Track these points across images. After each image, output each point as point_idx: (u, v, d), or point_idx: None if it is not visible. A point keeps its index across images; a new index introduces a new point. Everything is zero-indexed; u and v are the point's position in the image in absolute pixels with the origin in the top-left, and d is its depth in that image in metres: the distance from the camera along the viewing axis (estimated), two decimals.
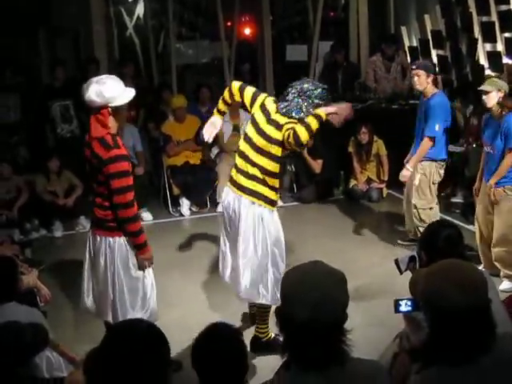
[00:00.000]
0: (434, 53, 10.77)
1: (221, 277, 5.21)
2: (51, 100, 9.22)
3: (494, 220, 6.06)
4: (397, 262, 4.01)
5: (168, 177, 9.03)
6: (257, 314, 5.18)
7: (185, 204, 8.93)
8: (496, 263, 6.14)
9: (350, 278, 2.36)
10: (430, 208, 6.90)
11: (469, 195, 7.75)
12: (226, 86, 10.58)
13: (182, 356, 4.42)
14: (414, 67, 6.86)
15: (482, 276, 2.36)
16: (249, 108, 5.07)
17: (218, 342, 2.77)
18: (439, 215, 7.06)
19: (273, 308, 4.80)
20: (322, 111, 4.75)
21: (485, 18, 9.66)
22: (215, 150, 9.37)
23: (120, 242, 4.45)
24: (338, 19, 12.94)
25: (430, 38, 10.85)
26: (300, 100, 4.79)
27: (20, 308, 3.99)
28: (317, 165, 9.17)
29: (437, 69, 10.55)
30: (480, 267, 6.14)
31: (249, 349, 4.89)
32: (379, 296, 5.80)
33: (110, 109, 4.29)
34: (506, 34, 9.34)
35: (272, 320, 4.97)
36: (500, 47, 9.48)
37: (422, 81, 6.65)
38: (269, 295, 4.90)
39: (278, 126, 4.79)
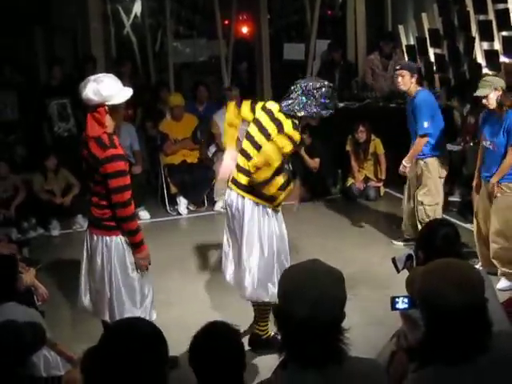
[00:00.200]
0: (431, 51, 10.77)
1: (223, 275, 5.21)
2: (49, 98, 9.21)
3: (491, 216, 6.07)
4: (394, 260, 4.01)
5: (165, 175, 9.03)
6: (257, 311, 5.17)
7: (182, 203, 8.93)
8: (494, 260, 6.15)
9: (347, 277, 2.36)
10: (437, 203, 6.92)
11: (466, 194, 7.76)
12: (223, 84, 10.70)
13: (179, 355, 4.43)
14: (397, 67, 6.89)
15: (479, 275, 2.36)
16: (250, 118, 5.03)
17: (215, 340, 2.77)
18: (441, 214, 7.08)
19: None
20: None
21: (482, 17, 9.66)
22: (212, 149, 9.37)
23: (117, 241, 4.45)
24: (335, 18, 12.94)
25: (427, 36, 10.85)
26: (304, 98, 4.74)
27: (19, 308, 3.99)
28: (314, 163, 9.17)
29: (434, 68, 10.60)
30: (477, 265, 6.16)
31: (248, 347, 4.92)
32: (376, 294, 5.80)
33: (106, 107, 4.28)
34: (504, 33, 9.34)
35: (271, 318, 4.98)
36: (497, 46, 9.48)
37: (406, 81, 6.70)
38: (275, 294, 4.89)
39: (280, 127, 4.76)
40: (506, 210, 5.97)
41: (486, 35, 9.59)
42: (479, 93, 5.91)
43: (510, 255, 6.07)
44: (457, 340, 2.26)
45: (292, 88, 4.84)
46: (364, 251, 7.18)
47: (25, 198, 8.18)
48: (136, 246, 4.47)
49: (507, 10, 9.19)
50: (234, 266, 5.07)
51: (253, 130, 4.92)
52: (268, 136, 4.79)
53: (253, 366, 4.72)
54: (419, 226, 6.85)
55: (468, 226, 7.36)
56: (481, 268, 6.01)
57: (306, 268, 2.34)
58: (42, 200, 8.23)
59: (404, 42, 11.44)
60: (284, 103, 4.81)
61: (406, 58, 10.83)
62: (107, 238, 4.45)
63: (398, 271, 4.00)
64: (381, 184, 9.25)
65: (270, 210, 4.87)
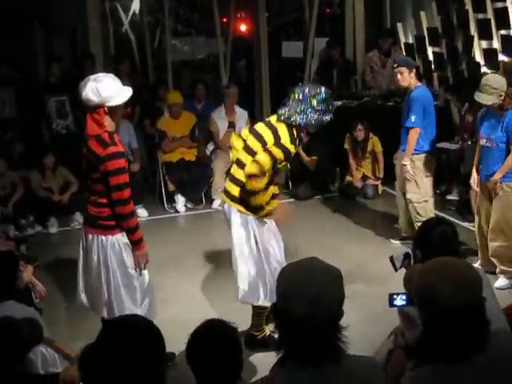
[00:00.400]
0: (429, 50, 10.77)
1: None
2: (47, 95, 9.21)
3: (492, 214, 6.07)
4: (392, 259, 4.01)
5: (163, 173, 9.02)
6: (252, 312, 5.18)
7: (180, 200, 8.93)
8: (492, 258, 6.16)
9: (345, 275, 2.36)
10: (425, 201, 6.91)
11: (464, 192, 7.77)
12: (221, 82, 10.69)
13: (175, 352, 4.43)
14: (395, 65, 6.90)
15: (477, 274, 2.36)
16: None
17: (213, 338, 2.77)
18: (434, 211, 7.07)
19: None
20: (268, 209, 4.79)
21: (481, 16, 9.66)
22: (210, 147, 9.37)
23: (112, 240, 4.45)
24: (333, 16, 12.93)
25: (425, 34, 10.84)
26: (302, 105, 4.70)
27: (18, 306, 3.99)
28: (311, 161, 9.16)
29: (433, 66, 10.60)
30: (476, 264, 6.16)
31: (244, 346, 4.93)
32: (374, 292, 5.80)
33: (106, 108, 4.28)
34: (502, 32, 9.34)
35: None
36: (496, 44, 9.48)
37: (406, 77, 6.75)
38: (267, 299, 4.90)
39: (276, 137, 4.72)
40: (506, 209, 5.97)
41: (485, 34, 9.58)
42: (484, 100, 5.85)
43: (510, 253, 6.07)
44: (454, 338, 2.26)
45: (289, 95, 4.81)
46: (362, 249, 7.19)
47: (23, 195, 8.17)
48: (135, 244, 4.48)
49: (506, 8, 9.19)
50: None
51: (249, 138, 4.91)
52: (264, 143, 4.75)
53: (250, 363, 4.72)
54: (414, 224, 6.87)
55: (466, 224, 7.37)
56: (479, 267, 6.02)
57: (305, 266, 2.34)
58: (39, 197, 8.22)
59: (402, 41, 11.43)
60: (281, 111, 4.79)
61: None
62: (102, 237, 4.45)
63: (396, 269, 4.00)
64: (379, 182, 9.25)
65: (254, 219, 4.84)
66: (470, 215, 6.77)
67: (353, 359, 2.33)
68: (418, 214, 6.85)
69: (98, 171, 4.30)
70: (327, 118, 4.80)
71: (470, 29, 9.83)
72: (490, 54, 9.51)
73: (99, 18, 10.29)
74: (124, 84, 4.44)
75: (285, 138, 4.71)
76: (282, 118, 4.75)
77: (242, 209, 4.83)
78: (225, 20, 11.54)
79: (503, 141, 5.88)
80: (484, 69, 9.48)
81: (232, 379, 2.74)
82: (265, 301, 4.93)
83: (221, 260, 6.64)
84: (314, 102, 4.70)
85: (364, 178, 9.32)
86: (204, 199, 9.07)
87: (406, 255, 3.96)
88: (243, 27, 12.74)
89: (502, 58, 9.31)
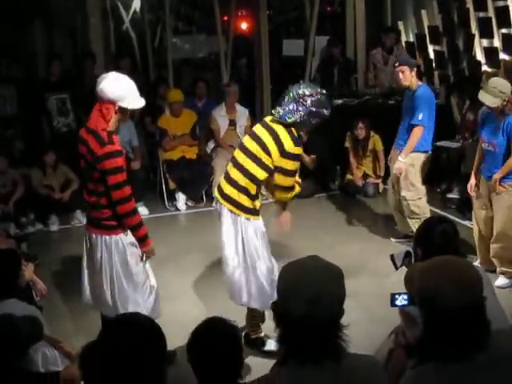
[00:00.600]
0: (430, 48, 10.77)
1: None
2: (48, 93, 9.21)
3: (494, 216, 6.06)
4: (392, 257, 4.01)
5: (164, 171, 9.02)
6: (247, 313, 5.18)
7: (181, 198, 8.93)
8: (493, 259, 6.15)
9: (345, 273, 2.36)
10: (419, 198, 6.92)
11: (465, 191, 7.76)
12: (222, 80, 10.69)
13: (176, 351, 4.43)
14: (396, 64, 6.89)
15: (478, 273, 2.35)
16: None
17: (213, 336, 2.77)
18: (429, 208, 7.09)
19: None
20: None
21: (482, 14, 9.66)
22: (211, 145, 9.36)
23: (116, 239, 4.46)
24: (334, 14, 12.91)
25: (426, 33, 10.85)
26: (295, 105, 4.68)
27: (19, 305, 3.98)
28: (310, 160, 9.12)
29: (434, 65, 10.59)
30: (475, 262, 6.15)
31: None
32: (375, 291, 5.81)
33: (116, 106, 4.29)
34: (503, 30, 9.34)
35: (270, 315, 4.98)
36: (497, 43, 9.48)
37: (407, 76, 6.75)
38: (257, 302, 4.89)
39: (277, 141, 4.70)
40: (507, 210, 5.97)
41: (486, 32, 9.59)
42: (489, 102, 5.82)
43: (510, 255, 6.07)
44: (455, 338, 2.26)
45: (284, 94, 4.80)
46: (362, 247, 7.19)
47: (23, 193, 8.17)
48: (141, 240, 4.50)
49: (507, 7, 9.19)
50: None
51: (248, 141, 4.87)
52: (267, 151, 4.69)
53: (248, 363, 4.71)
54: (409, 221, 6.88)
55: (466, 223, 7.36)
56: (479, 266, 6.02)
57: (305, 265, 2.34)
58: (40, 195, 8.22)
59: (403, 39, 11.43)
60: (275, 111, 4.79)
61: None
62: (106, 237, 4.47)
63: (397, 268, 3.99)
64: (379, 181, 9.25)
65: (245, 221, 4.81)
66: (471, 214, 6.76)
67: (353, 358, 2.34)
68: (413, 212, 6.87)
69: (97, 170, 4.30)
70: (322, 117, 4.78)
71: (470, 27, 9.83)
72: (490, 53, 9.52)
73: (100, 15, 10.29)
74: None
75: (288, 144, 4.68)
76: (277, 116, 4.74)
77: (232, 208, 4.82)
78: (226, 18, 11.53)
79: (504, 144, 5.89)
80: (485, 67, 9.49)
81: (232, 377, 2.74)
82: (251, 302, 4.92)
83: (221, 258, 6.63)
84: (309, 102, 4.68)
85: (365, 176, 9.32)
86: (205, 197, 9.06)
87: (407, 254, 3.95)
88: (244, 25, 12.72)
89: (502, 56, 9.32)
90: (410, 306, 2.79)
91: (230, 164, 4.92)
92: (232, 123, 9.13)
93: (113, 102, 4.28)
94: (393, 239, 7.36)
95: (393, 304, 2.83)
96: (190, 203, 9.04)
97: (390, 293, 2.84)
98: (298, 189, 4.97)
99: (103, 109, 4.29)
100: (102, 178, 4.30)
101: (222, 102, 9.26)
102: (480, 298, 2.27)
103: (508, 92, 5.80)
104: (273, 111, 4.84)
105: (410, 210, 6.89)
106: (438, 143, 8.30)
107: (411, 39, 11.39)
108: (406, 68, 6.72)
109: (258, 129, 4.88)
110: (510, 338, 2.49)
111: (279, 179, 4.75)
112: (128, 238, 4.50)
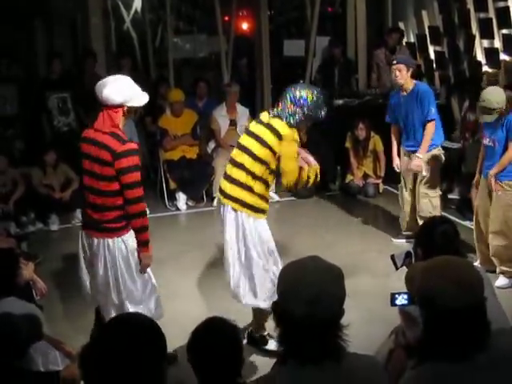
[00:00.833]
0: (431, 49, 10.78)
1: None
2: (48, 92, 9.21)
3: (491, 214, 6.07)
4: (393, 257, 4.01)
5: (165, 171, 9.03)
6: (253, 312, 5.18)
7: (181, 198, 8.93)
8: (493, 258, 6.16)
9: (345, 273, 2.36)
10: (440, 194, 7.05)
11: (465, 191, 7.77)
12: (223, 80, 10.70)
13: (177, 351, 4.43)
14: (394, 62, 6.90)
15: (478, 273, 2.35)
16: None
17: (214, 336, 2.77)
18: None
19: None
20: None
21: (482, 15, 9.67)
22: (212, 145, 9.37)
23: (119, 241, 4.43)
24: (335, 14, 12.92)
25: (427, 33, 10.86)
26: (293, 106, 4.72)
27: (18, 303, 3.98)
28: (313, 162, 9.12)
29: (434, 65, 10.59)
30: (476, 263, 6.16)
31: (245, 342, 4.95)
32: (375, 291, 5.81)
33: (125, 108, 4.31)
34: (504, 31, 9.35)
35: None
36: (497, 44, 9.49)
37: (404, 75, 6.78)
38: (266, 302, 4.88)
39: (272, 129, 4.73)
40: (506, 208, 5.98)
41: (486, 33, 9.59)
42: (489, 120, 5.90)
43: (510, 253, 6.07)
44: (455, 338, 2.25)
45: (282, 95, 4.84)
46: (363, 247, 7.20)
47: (24, 193, 8.17)
48: (144, 245, 4.47)
49: (507, 8, 9.20)
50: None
51: (243, 139, 4.92)
52: (264, 143, 4.74)
53: (248, 361, 4.72)
54: (419, 221, 6.85)
55: (467, 223, 7.37)
56: (479, 266, 6.02)
57: (305, 265, 2.33)
58: (40, 194, 8.23)
59: (404, 40, 11.43)
60: (272, 112, 4.83)
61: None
62: (109, 240, 4.43)
63: (397, 268, 4.00)
64: (380, 181, 9.25)
65: (249, 219, 4.82)
66: (471, 214, 6.76)
67: (353, 358, 2.33)
68: (435, 207, 6.91)
69: (112, 167, 4.28)
70: (318, 118, 4.83)
71: (471, 28, 9.84)
72: (491, 53, 9.53)
73: (101, 14, 10.30)
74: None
75: (282, 128, 4.73)
76: (274, 113, 4.80)
77: (234, 204, 4.82)
78: (227, 18, 11.54)
79: (503, 140, 5.91)
80: (485, 68, 9.49)
81: (232, 377, 2.74)
82: (254, 300, 4.92)
83: (222, 258, 6.62)
84: (305, 105, 4.72)
85: (365, 176, 9.32)
86: (205, 197, 9.06)
87: (407, 254, 3.95)
88: (245, 25, 12.74)
89: (503, 57, 9.33)
90: (410, 305, 2.79)
91: (229, 164, 4.94)
92: (233, 123, 9.13)
93: (121, 106, 4.30)
94: (393, 239, 7.36)
95: (393, 303, 2.83)
96: (190, 203, 9.04)
97: (390, 292, 2.84)
98: (313, 178, 4.99)
99: (111, 113, 4.31)
100: (116, 177, 4.29)
101: (222, 101, 9.26)
102: (481, 298, 2.27)
103: (501, 102, 5.85)
104: (270, 112, 4.89)
105: (431, 206, 6.88)
106: None
107: (412, 40, 11.39)
108: (402, 67, 6.75)
109: (252, 126, 4.95)
110: (510, 339, 2.49)
111: (282, 163, 4.75)
112: (131, 241, 4.48)
